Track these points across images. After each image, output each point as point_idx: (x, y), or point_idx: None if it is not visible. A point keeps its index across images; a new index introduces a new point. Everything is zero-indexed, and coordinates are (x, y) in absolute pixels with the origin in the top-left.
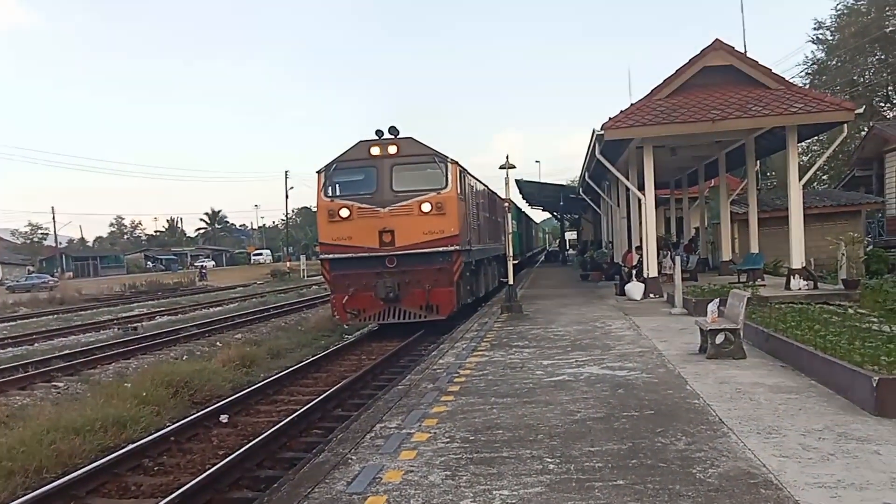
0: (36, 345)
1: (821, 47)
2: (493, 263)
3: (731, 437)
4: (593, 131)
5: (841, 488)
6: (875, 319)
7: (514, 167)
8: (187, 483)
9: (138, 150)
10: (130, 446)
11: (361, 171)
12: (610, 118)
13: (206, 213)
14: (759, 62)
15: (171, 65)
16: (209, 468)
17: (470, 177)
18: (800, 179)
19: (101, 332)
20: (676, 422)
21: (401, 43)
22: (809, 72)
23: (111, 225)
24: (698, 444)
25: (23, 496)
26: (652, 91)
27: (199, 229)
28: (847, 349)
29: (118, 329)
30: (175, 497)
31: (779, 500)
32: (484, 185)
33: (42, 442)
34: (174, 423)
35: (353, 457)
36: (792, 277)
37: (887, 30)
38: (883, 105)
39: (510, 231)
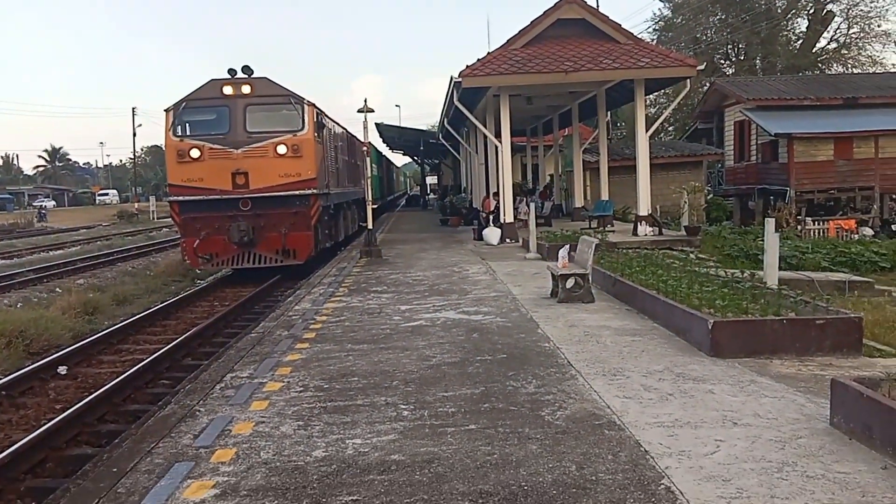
0: None
1: (667, 5)
2: (352, 207)
3: (578, 379)
4: (451, 78)
5: (678, 427)
6: (713, 264)
7: (372, 111)
8: (20, 440)
9: None
10: None
11: (213, 111)
12: (468, 66)
13: (46, 150)
14: (610, 17)
15: None
16: (44, 423)
17: (328, 119)
18: (647, 130)
19: None
20: (528, 365)
21: None
22: (656, 28)
23: None
24: (547, 386)
25: None
26: (508, 41)
27: (37, 167)
28: (686, 293)
29: None
30: (6, 455)
31: (621, 440)
32: (343, 128)
33: None
34: (6, 376)
35: (202, 409)
36: (639, 224)
37: None
38: (723, 62)
39: (370, 175)
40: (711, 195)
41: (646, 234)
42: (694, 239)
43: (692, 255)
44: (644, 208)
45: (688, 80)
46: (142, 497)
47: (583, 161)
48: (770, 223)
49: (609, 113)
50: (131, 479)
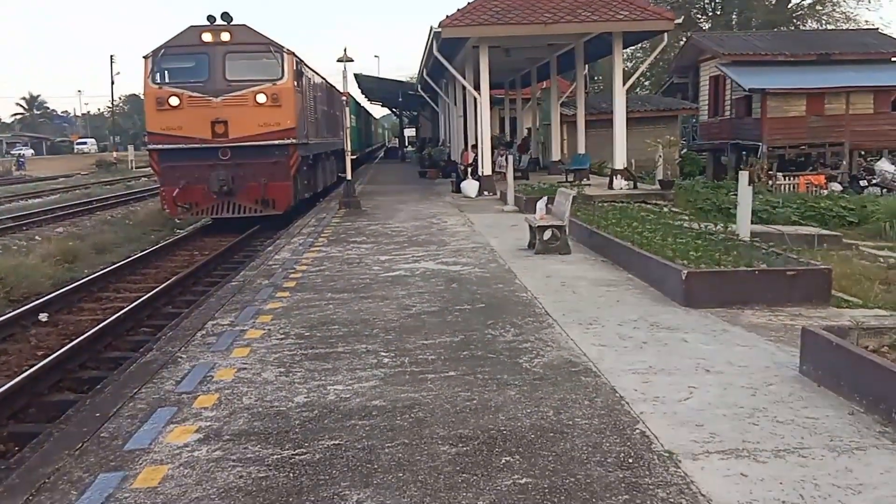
0: None
1: None
2: (331, 158)
3: (555, 327)
4: (431, 28)
5: (652, 374)
6: (686, 217)
7: (351, 60)
8: (1, 386)
9: None
10: None
11: (192, 58)
12: (447, 16)
13: (24, 98)
14: None
15: None
16: (26, 370)
17: (307, 68)
18: (623, 84)
19: None
20: (506, 314)
21: None
22: None
23: None
24: (525, 335)
25: None
26: None
27: (15, 114)
28: (660, 245)
29: None
30: None
31: (597, 387)
32: (322, 77)
33: None
34: None
35: (183, 355)
36: (614, 177)
37: None
38: (700, 17)
39: (348, 126)
40: (686, 150)
41: (621, 188)
42: (668, 193)
43: (666, 209)
44: (620, 162)
45: (665, 35)
46: (125, 441)
47: (560, 115)
48: (744, 177)
49: (587, 67)
50: (114, 423)
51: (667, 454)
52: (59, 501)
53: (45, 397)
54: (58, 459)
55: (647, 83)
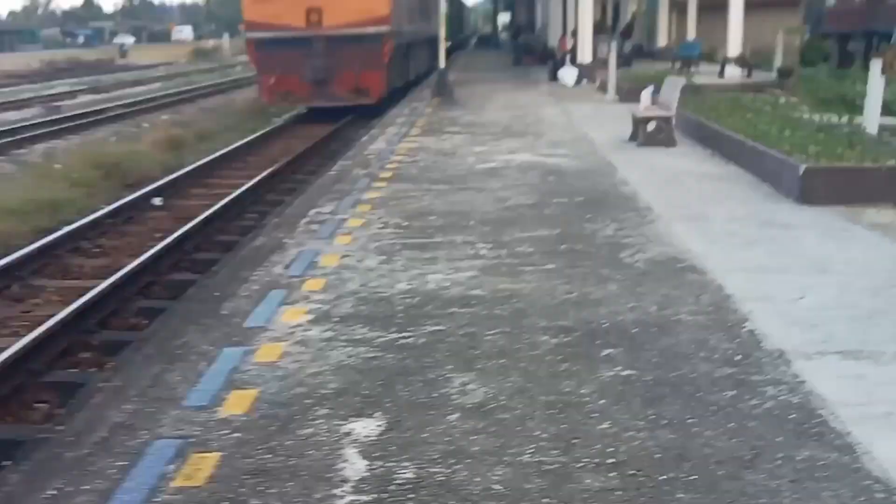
0: None
1: None
2: (424, 47)
3: (658, 223)
4: None
5: (763, 272)
6: (806, 109)
7: None
8: (127, 265)
9: None
10: (68, 228)
11: None
12: None
13: None
14: None
15: None
16: (146, 251)
17: None
18: None
19: (24, 109)
20: (606, 208)
21: None
22: None
23: None
24: (626, 230)
25: None
26: None
27: (116, 4)
28: (776, 138)
29: (41, 108)
30: (118, 279)
31: (703, 284)
32: None
33: None
34: (108, 206)
35: (290, 241)
36: (727, 65)
37: None
38: None
39: (442, 12)
40: (808, 36)
41: (734, 77)
42: (786, 82)
43: (784, 100)
44: (734, 49)
45: None
46: (244, 318)
47: None
48: (875, 64)
49: None
50: (233, 302)
51: (777, 353)
52: (190, 371)
53: (166, 275)
54: (185, 333)
55: None
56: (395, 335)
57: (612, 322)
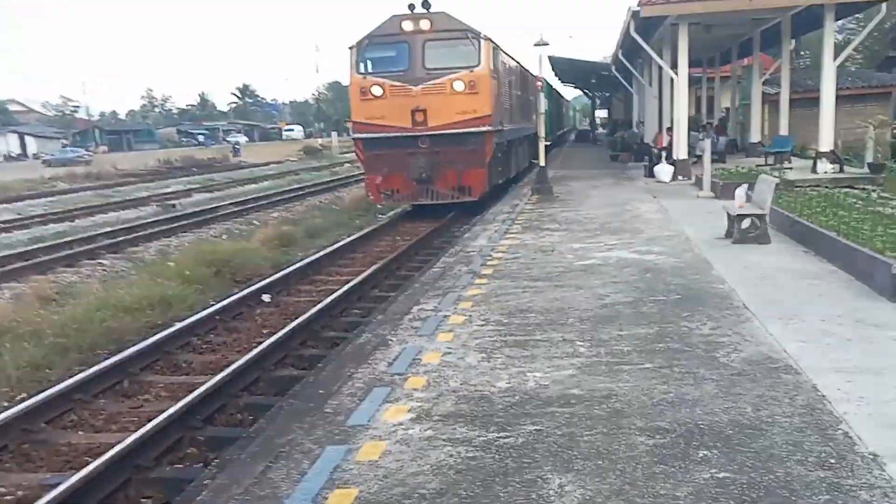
0: (77, 221)
1: None
2: (524, 143)
3: (754, 321)
4: (629, 8)
5: (858, 373)
6: None
7: (547, 44)
8: (235, 361)
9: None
10: (179, 325)
11: (393, 48)
12: None
13: (238, 88)
14: None
15: None
16: (255, 347)
17: (503, 53)
18: (834, 59)
19: (140, 208)
20: (702, 306)
21: None
22: None
23: (142, 97)
24: (723, 328)
25: (79, 372)
26: None
27: (230, 103)
28: (868, 235)
29: (157, 206)
30: (226, 375)
31: (797, 384)
32: (516, 61)
33: (93, 319)
34: (218, 302)
35: (393, 338)
36: (819, 161)
37: None
38: None
39: (542, 111)
40: None
41: (826, 172)
42: (878, 177)
43: (875, 195)
44: (826, 144)
45: (883, 4)
46: (347, 416)
47: (762, 93)
48: None
49: (792, 42)
50: (336, 400)
51: (871, 456)
52: (294, 469)
53: (272, 372)
54: (289, 431)
55: (858, 56)
56: (494, 434)
57: (708, 423)
